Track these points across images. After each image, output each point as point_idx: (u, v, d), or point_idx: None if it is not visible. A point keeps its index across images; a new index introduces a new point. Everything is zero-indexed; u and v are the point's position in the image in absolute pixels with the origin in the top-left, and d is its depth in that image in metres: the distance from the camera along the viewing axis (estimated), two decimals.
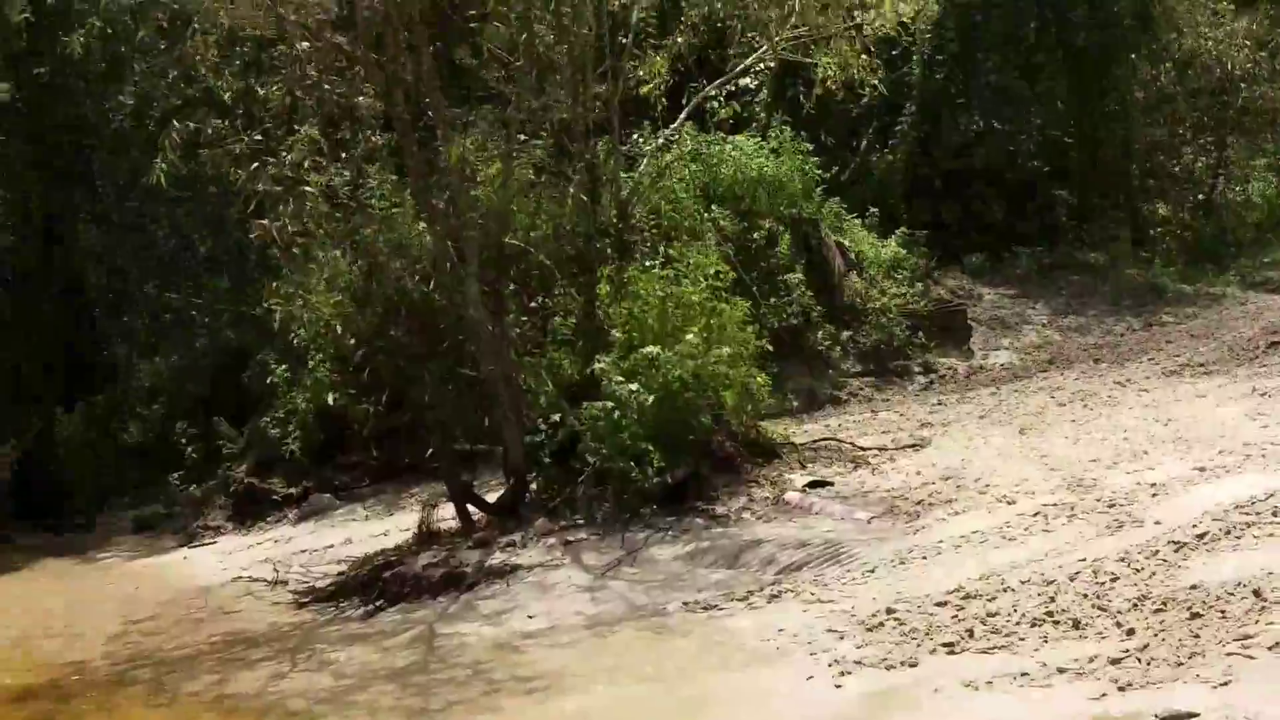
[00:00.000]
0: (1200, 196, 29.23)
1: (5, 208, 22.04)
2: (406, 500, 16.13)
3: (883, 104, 25.34)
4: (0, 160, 20.97)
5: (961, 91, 24.76)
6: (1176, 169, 29.25)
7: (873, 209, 21.36)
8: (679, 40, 17.86)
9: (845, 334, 18.74)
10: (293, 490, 16.91)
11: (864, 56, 15.78)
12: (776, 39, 15.63)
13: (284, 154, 13.58)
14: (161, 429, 19.42)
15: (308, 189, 13.21)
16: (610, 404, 12.67)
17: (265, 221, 12.23)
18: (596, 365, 13.02)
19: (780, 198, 19.06)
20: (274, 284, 13.49)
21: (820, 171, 19.88)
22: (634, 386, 12.68)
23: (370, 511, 16.37)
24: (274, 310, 13.31)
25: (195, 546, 16.68)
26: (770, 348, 15.46)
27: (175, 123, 11.17)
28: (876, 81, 16.54)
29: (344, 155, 16.69)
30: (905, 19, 16.09)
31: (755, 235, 18.38)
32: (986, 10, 23.52)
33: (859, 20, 15.70)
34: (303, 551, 14.88)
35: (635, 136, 17.57)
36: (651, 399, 12.61)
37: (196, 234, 22.07)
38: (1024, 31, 23.34)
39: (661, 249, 15.90)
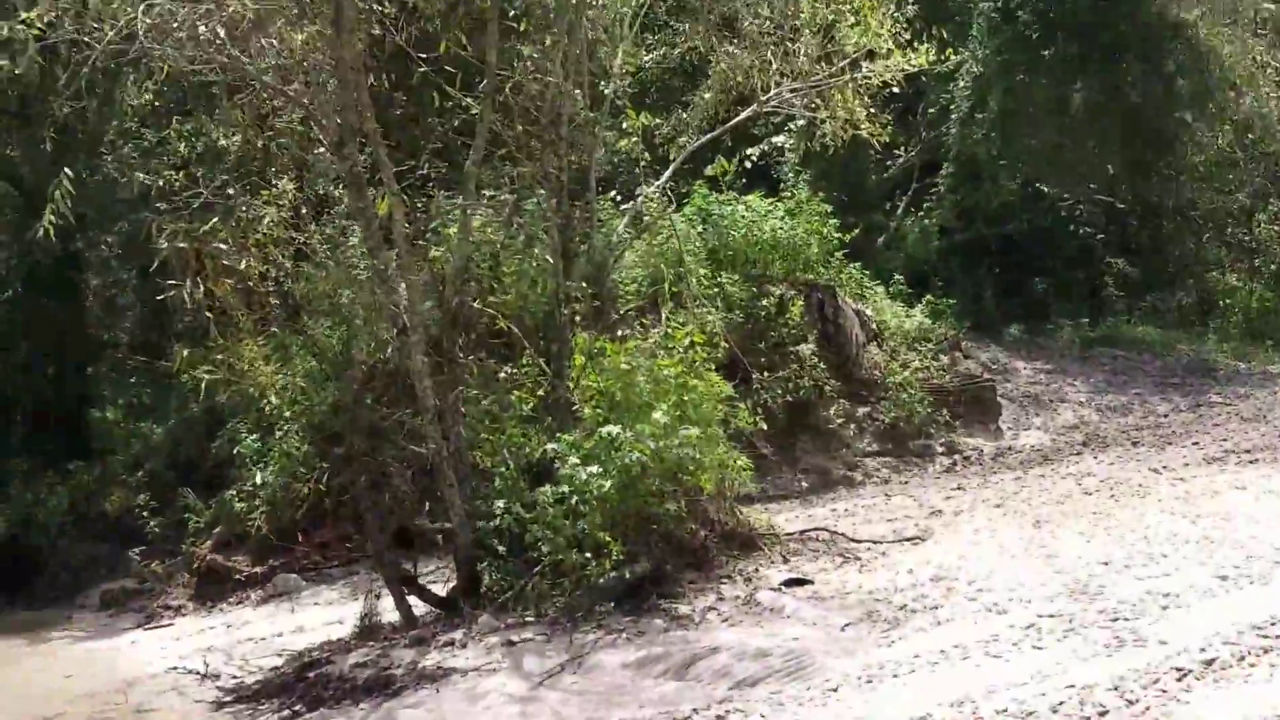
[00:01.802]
0: (1274, 267, 27.50)
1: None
2: (377, 585, 14.88)
3: (922, 167, 24.17)
4: None
5: (1004, 153, 23.32)
6: (1248, 238, 27.57)
7: (898, 276, 19.96)
8: (705, 96, 17.09)
9: (862, 410, 17.32)
10: (258, 569, 15.69)
11: (869, 110, 14.55)
12: (770, 93, 14.43)
13: (244, 210, 12.65)
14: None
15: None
16: (566, 489, 11.38)
17: (178, 283, 11.08)
18: (549, 446, 11.75)
19: (795, 262, 17.74)
20: (185, 352, 12.32)
21: (841, 235, 18.47)
22: (593, 469, 11.39)
23: (337, 595, 15.13)
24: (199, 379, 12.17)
25: (150, 628, 15.46)
26: (764, 427, 14.23)
27: (67, 171, 10.03)
28: (884, 135, 15.25)
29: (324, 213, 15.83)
30: (918, 67, 14.78)
31: (764, 302, 17.03)
32: (1031, 70, 22.08)
33: (865, 71, 14.49)
34: (250, 640, 13.66)
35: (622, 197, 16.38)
36: (609, 484, 11.31)
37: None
38: (1072, 91, 21.83)
39: (662, 315, 14.74)
